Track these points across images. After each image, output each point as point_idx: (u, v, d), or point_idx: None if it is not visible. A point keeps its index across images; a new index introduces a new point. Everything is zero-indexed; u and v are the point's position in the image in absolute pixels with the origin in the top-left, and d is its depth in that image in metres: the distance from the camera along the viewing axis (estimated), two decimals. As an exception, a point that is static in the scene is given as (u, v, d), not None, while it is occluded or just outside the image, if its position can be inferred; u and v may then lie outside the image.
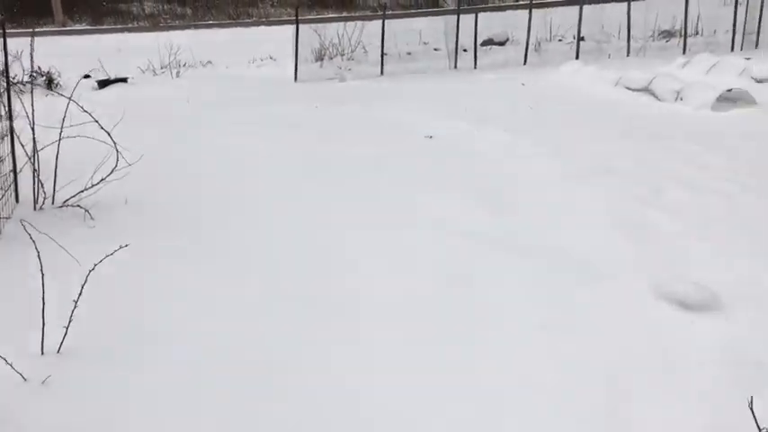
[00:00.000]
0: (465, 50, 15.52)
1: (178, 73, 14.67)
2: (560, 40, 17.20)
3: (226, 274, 4.35)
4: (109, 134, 5.37)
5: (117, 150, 5.42)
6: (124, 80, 13.61)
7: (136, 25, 33.28)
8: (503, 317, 3.83)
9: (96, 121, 5.35)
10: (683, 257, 4.50)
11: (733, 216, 5.15)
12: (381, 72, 14.39)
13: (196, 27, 28.75)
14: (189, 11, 40.49)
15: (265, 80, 13.80)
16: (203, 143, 7.77)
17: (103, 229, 5.02)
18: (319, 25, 16.40)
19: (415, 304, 3.96)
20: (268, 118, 9.07)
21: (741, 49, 15.49)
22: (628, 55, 15.39)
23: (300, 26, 14.87)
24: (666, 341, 3.58)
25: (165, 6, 43.54)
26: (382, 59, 14.54)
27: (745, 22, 15.92)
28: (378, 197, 5.73)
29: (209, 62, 16.17)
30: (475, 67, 14.74)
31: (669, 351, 3.49)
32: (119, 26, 32.09)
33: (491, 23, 18.04)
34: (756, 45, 15.77)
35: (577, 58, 14.64)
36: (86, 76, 13.65)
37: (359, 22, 16.10)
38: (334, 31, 16.18)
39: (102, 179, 5.47)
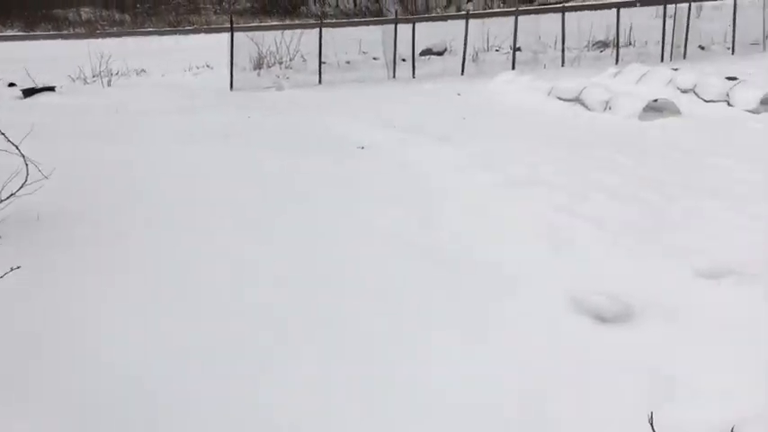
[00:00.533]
0: (404, 60, 15.59)
1: (109, 82, 14.27)
2: (497, 51, 17.45)
3: (137, 288, 4.16)
4: (17, 147, 5.09)
5: (26, 164, 5.15)
6: (52, 89, 13.13)
7: (71, 32, 32.34)
8: (420, 329, 3.77)
9: (2, 134, 5.07)
10: (601, 268, 4.52)
11: (653, 225, 5.22)
12: (319, 81, 14.31)
13: (133, 35, 28.13)
14: (128, 18, 39.72)
15: (200, 89, 13.56)
16: (127, 155, 7.51)
17: (10, 246, 4.75)
18: (257, 33, 16.23)
19: (339, 316, 3.87)
20: (198, 128, 8.86)
21: (671, 60, 15.99)
22: (563, 65, 15.70)
23: (239, 34, 14.70)
24: (579, 354, 3.57)
25: (104, 13, 42.62)
26: (320, 68, 14.46)
27: (673, 34, 16.45)
28: (300, 208, 5.61)
29: (143, 70, 15.81)
30: (413, 77, 14.80)
31: (581, 364, 3.48)
32: (53, 32, 31.09)
33: (430, 33, 18.19)
34: (684, 56, 16.32)
35: (513, 68, 14.86)
36: (11, 85, 13.14)
37: (297, 31, 15.98)
38: (272, 39, 16.03)
39: (12, 194, 5.19)
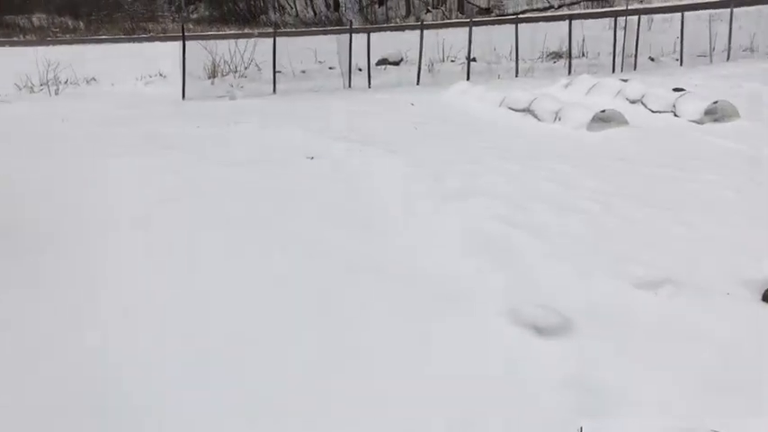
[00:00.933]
0: (360, 69, 15.55)
1: (57, 90, 13.92)
2: (453, 61, 17.53)
3: (60, 303, 4.02)
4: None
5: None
6: (-5, 97, 12.77)
7: (22, 39, 31.52)
8: (360, 343, 3.72)
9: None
10: (540, 280, 4.53)
11: (593, 235, 5.26)
12: (274, 90, 14.18)
13: (86, 42, 27.50)
14: (82, 25, 38.88)
15: (152, 98, 13.31)
16: (68, 165, 7.31)
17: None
18: (211, 41, 16.03)
19: (277, 331, 3.79)
20: (144, 138, 8.67)
21: (622, 71, 16.29)
22: (516, 76, 15.86)
23: (193, 43, 14.49)
24: (516, 367, 3.55)
25: (57, 20, 41.65)
26: (274, 77, 14.33)
27: (623, 46, 16.77)
28: (242, 221, 5.50)
29: (94, 79, 15.45)
30: (369, 87, 14.77)
31: (518, 377, 3.46)
32: (1, 39, 30.26)
33: (387, 43, 18.22)
34: (635, 67, 16.64)
35: (468, 78, 14.94)
36: (-48, 93, 12.73)
37: (252, 39, 15.81)
38: (226, 47, 15.83)
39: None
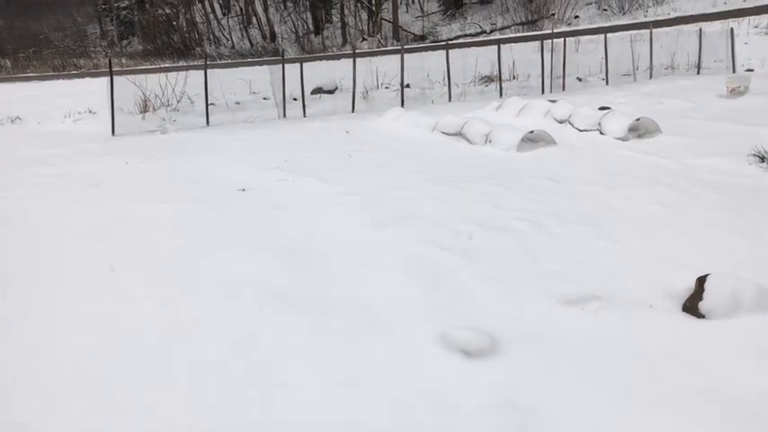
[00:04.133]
0: (295, 99, 15.54)
1: (-22, 131, 13.44)
2: (387, 88, 17.71)
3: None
4: None
5: None
6: None
7: (-56, 79, 30.44)
8: (285, 381, 3.62)
9: None
10: (471, 302, 4.53)
11: (521, 255, 5.31)
12: (207, 123, 14.00)
13: (12, 80, 26.77)
14: (8, 63, 37.86)
15: (80, 135, 12.97)
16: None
17: None
18: (141, 76, 15.77)
19: (194, 376, 3.64)
20: (68, 177, 8.38)
21: (551, 92, 16.75)
22: (450, 100, 16.11)
23: (121, 78, 14.23)
24: (444, 391, 3.52)
25: (-19, 59, 40.52)
26: (207, 110, 14.17)
27: (552, 68, 17.26)
28: (164, 260, 5.33)
29: (18, 118, 14.97)
30: (304, 116, 14.76)
31: (445, 401, 3.43)
32: None
33: (321, 72, 18.29)
34: (563, 88, 17.14)
35: (402, 105, 15.09)
36: None
37: (183, 72, 15.63)
38: (156, 81, 15.60)
39: None
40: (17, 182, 8.27)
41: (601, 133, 10.19)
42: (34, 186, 7.85)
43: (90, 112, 15.75)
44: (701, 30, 19.91)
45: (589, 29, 29.88)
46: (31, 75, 30.78)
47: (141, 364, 3.79)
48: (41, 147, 11.44)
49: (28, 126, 14.50)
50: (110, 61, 14.26)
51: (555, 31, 22.84)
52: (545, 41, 17.91)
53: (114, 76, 13.40)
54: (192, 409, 3.38)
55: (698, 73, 18.86)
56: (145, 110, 15.13)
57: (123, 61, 37.14)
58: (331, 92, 17.56)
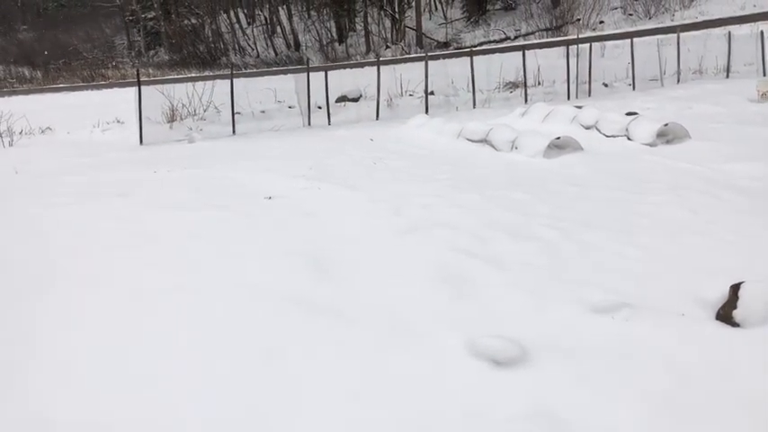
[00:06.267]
0: (320, 107, 15.61)
1: (11, 141, 13.69)
2: (411, 95, 17.72)
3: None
4: None
5: None
6: (-54, 151, 12.52)
7: (-23, 90, 31.15)
8: (315, 389, 3.62)
9: None
10: (499, 310, 4.50)
11: (550, 263, 5.26)
12: (233, 131, 14.13)
13: (43, 91, 27.29)
14: (39, 74, 38.65)
15: (109, 145, 13.15)
16: (15, 217, 7.12)
17: None
18: (168, 86, 15.97)
19: (220, 384, 3.67)
20: (97, 186, 8.51)
21: (576, 97, 16.61)
22: (474, 107, 16.06)
23: (149, 88, 14.42)
24: (474, 400, 3.50)
25: (14, 70, 41.35)
26: (233, 118, 14.30)
27: (577, 73, 17.14)
28: (191, 267, 5.38)
29: (49, 128, 15.25)
30: (329, 124, 14.81)
31: (475, 411, 3.40)
32: (-44, 92, 29.87)
33: (346, 81, 18.35)
34: (589, 93, 16.98)
35: (426, 112, 15.07)
36: None
37: (210, 82, 15.80)
38: (184, 91, 15.79)
39: None
40: (47, 191, 8.42)
41: (628, 139, 10.08)
42: (63, 195, 7.99)
43: (118, 121, 15.98)
44: (729, 33, 19.63)
45: (615, 34, 29.65)
46: (61, 85, 31.36)
47: (169, 369, 3.82)
48: (71, 156, 11.62)
49: (58, 136, 14.74)
50: (137, 71, 14.45)
51: (580, 36, 22.69)
52: (570, 47, 17.80)
53: (142, 86, 13.59)
54: (217, 419, 3.40)
55: (727, 77, 18.58)
56: (172, 119, 15.31)
57: (150, 71, 37.67)
58: (356, 100, 17.62)
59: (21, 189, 8.68)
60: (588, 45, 17.91)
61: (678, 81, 18.20)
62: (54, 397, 3.61)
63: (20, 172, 10.22)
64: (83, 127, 15.33)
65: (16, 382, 3.78)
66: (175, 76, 23.73)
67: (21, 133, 14.56)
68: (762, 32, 19.20)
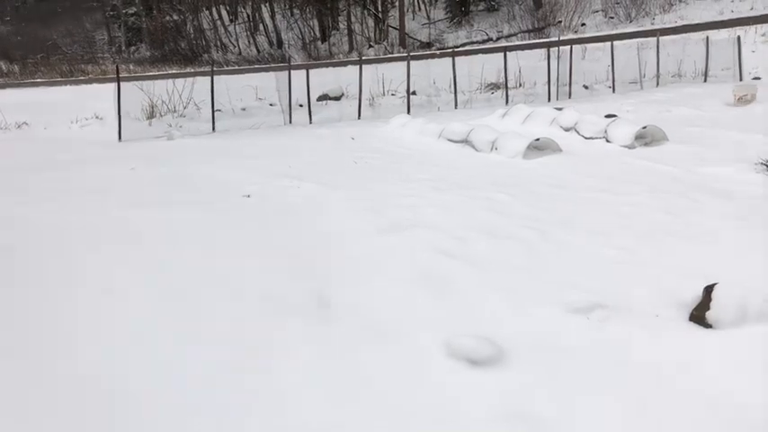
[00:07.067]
0: (301, 105, 15.55)
1: (-16, 137, 13.50)
2: (393, 95, 17.73)
3: None
4: None
5: None
6: None
7: (-49, 85, 30.61)
8: (286, 391, 3.59)
9: None
10: (477, 310, 4.51)
11: (528, 263, 5.28)
12: (213, 129, 14.03)
13: (20, 86, 26.91)
14: (17, 68, 38.12)
15: (86, 141, 12.98)
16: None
17: None
18: (148, 82, 15.82)
19: (191, 382, 3.63)
20: (71, 183, 8.39)
21: (557, 99, 16.71)
22: (456, 107, 16.09)
23: (128, 84, 14.27)
24: (449, 400, 3.50)
25: (-10, 64, 40.79)
26: (213, 116, 14.19)
27: (558, 75, 17.24)
28: (166, 265, 5.32)
29: (25, 123, 15.03)
30: (310, 122, 14.76)
31: (450, 410, 3.41)
32: (-70, 86, 29.31)
33: (327, 79, 18.30)
34: (569, 95, 17.10)
35: (408, 111, 15.08)
36: None
37: (190, 79, 15.67)
38: (164, 87, 15.64)
39: None
40: (21, 187, 8.30)
41: (607, 141, 10.17)
42: (39, 192, 7.87)
43: (97, 117, 15.77)
44: (707, 38, 19.88)
45: (596, 36, 29.89)
46: (39, 80, 30.96)
47: (151, 368, 3.78)
48: (50, 152, 11.46)
49: (34, 131, 14.54)
50: (117, 67, 14.31)
51: (561, 38, 22.84)
52: (551, 49, 17.90)
53: (122, 82, 13.44)
54: (192, 418, 3.37)
55: (705, 81, 18.81)
56: (152, 116, 15.17)
57: (131, 67, 37.31)
58: (337, 98, 17.58)
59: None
60: (569, 47, 18.04)
61: (657, 84, 18.39)
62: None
63: (-5, 167, 10.06)
64: (61, 123, 15.13)
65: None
66: (156, 73, 23.47)
67: (-6, 129, 14.36)
68: (739, 38, 19.48)
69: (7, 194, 7.90)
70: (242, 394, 3.55)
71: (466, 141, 10.40)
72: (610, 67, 18.25)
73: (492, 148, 9.82)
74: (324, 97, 17.36)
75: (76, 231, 6.23)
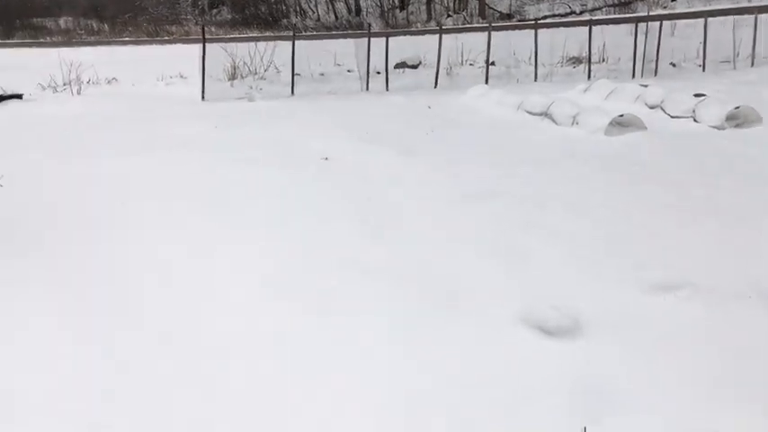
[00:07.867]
0: (378, 73, 15.54)
1: (79, 90, 14.11)
2: (471, 65, 17.47)
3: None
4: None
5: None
6: (19, 96, 12.99)
7: (48, 40, 32.00)
8: (363, 351, 3.69)
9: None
10: (554, 281, 4.49)
11: (609, 240, 5.19)
12: (292, 92, 14.23)
13: (110, 44, 27.90)
14: (107, 27, 39.45)
15: (171, 98, 13.41)
16: (78, 165, 7.38)
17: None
18: (231, 44, 16.13)
19: (279, 338, 3.80)
20: (159, 139, 8.73)
21: (642, 76, 16.10)
22: (536, 80, 15.75)
23: (213, 45, 14.60)
24: (521, 369, 3.53)
25: (82, 22, 42.27)
26: (293, 80, 14.39)
27: (644, 51, 16.59)
28: (256, 219, 5.52)
29: (115, 79, 15.63)
30: (387, 90, 14.76)
31: (521, 379, 3.44)
32: (28, 41, 30.77)
33: (405, 47, 18.18)
34: (655, 73, 16.44)
35: (486, 82, 14.86)
36: (-22, 91, 12.96)
37: (271, 42, 15.89)
38: (246, 50, 15.93)
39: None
40: (115, 141, 8.69)
41: (695, 120, 9.76)
42: (129, 145, 8.24)
43: (181, 76, 16.25)
44: (813, 15, 18.65)
45: (688, 12, 28.49)
46: (127, 39, 31.98)
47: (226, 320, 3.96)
48: (136, 107, 11.92)
49: (123, 87, 15.11)
50: (202, 28, 14.72)
51: (651, 13, 21.93)
52: (639, 24, 17.20)
53: (206, 44, 13.78)
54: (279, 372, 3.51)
55: (805, 62, 17.71)
56: (233, 77, 15.50)
57: (213, 30, 37.98)
58: (414, 67, 17.48)
59: (89, 138, 8.94)
60: (659, 23, 17.29)
61: (752, 64, 17.42)
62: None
63: (84, 120, 10.50)
64: (147, 80, 15.66)
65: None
66: (238, 35, 23.90)
67: (88, 83, 14.96)
68: None
69: (103, 146, 8.30)
70: (315, 344, 3.67)
71: (546, 114, 10.20)
72: (701, 45, 17.40)
73: (573, 123, 9.60)
74: (401, 65, 17.28)
75: (163, 183, 6.51)
